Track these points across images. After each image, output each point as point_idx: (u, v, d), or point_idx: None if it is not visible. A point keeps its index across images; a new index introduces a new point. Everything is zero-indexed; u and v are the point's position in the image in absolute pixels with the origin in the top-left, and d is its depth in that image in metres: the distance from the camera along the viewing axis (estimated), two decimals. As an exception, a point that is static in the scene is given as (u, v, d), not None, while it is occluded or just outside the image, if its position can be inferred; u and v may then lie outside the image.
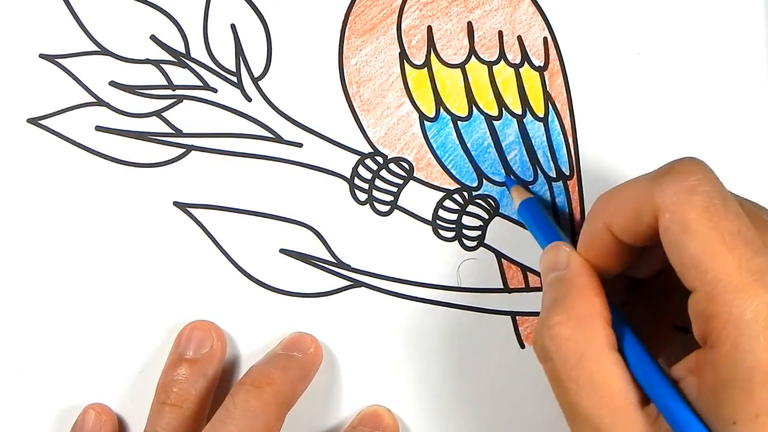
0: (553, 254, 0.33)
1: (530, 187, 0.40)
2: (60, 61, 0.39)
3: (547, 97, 0.40)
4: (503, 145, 0.39)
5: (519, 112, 0.40)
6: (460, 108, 0.39)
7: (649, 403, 0.29)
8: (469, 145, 0.39)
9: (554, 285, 0.32)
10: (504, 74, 0.39)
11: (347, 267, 0.39)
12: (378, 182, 0.39)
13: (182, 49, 0.39)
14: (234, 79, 0.39)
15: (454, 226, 0.39)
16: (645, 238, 0.30)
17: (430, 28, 0.39)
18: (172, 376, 0.37)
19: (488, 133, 0.39)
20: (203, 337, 0.38)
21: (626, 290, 0.35)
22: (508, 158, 0.40)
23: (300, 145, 0.39)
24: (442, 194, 0.39)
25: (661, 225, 0.28)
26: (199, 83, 0.39)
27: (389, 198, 0.39)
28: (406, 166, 0.40)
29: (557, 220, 0.39)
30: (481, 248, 0.40)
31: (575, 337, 0.30)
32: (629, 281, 0.34)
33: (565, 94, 0.40)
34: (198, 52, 0.39)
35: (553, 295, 0.32)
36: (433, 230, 0.40)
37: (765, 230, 0.29)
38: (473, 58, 0.39)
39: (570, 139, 0.40)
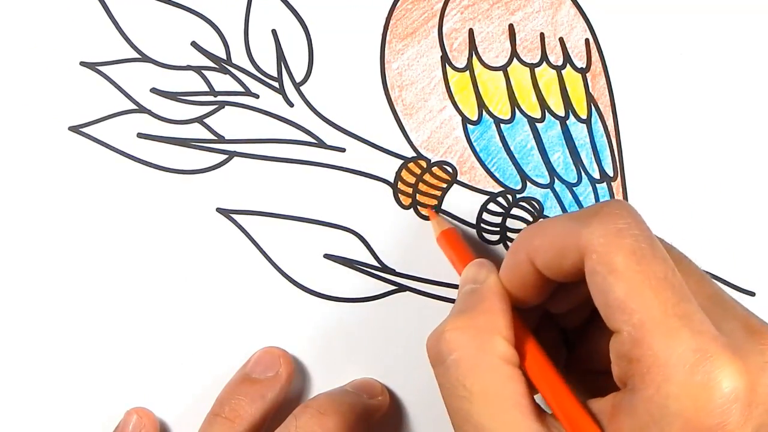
0: (475, 269, 0.34)
1: (574, 188, 0.39)
2: (101, 68, 0.39)
3: (590, 99, 0.40)
4: (546, 147, 0.39)
5: (562, 114, 0.39)
6: (503, 110, 0.39)
7: (545, 418, 0.29)
8: (512, 148, 0.39)
9: (465, 296, 0.32)
10: (546, 76, 0.39)
11: (392, 271, 0.39)
12: (421, 186, 0.39)
13: (223, 55, 0.39)
14: (276, 84, 0.39)
15: (498, 229, 0.39)
16: (567, 276, 0.30)
17: (471, 31, 0.39)
18: (232, 392, 0.37)
19: (531, 136, 0.39)
20: (271, 361, 0.38)
21: (539, 323, 0.35)
22: (552, 160, 0.39)
23: (343, 150, 0.39)
24: (486, 197, 0.39)
25: (587, 266, 0.28)
26: (241, 89, 0.39)
27: (433, 202, 0.39)
28: (450, 169, 0.39)
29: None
30: (526, 251, 0.39)
31: (471, 346, 0.30)
32: (543, 315, 0.34)
33: (607, 96, 0.40)
34: (239, 58, 0.39)
35: (460, 304, 0.32)
36: (477, 233, 0.39)
37: (690, 277, 0.29)
38: (515, 60, 0.39)
39: (614, 141, 0.39)
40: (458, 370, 0.29)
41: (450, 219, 0.39)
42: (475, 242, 0.39)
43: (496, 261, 0.39)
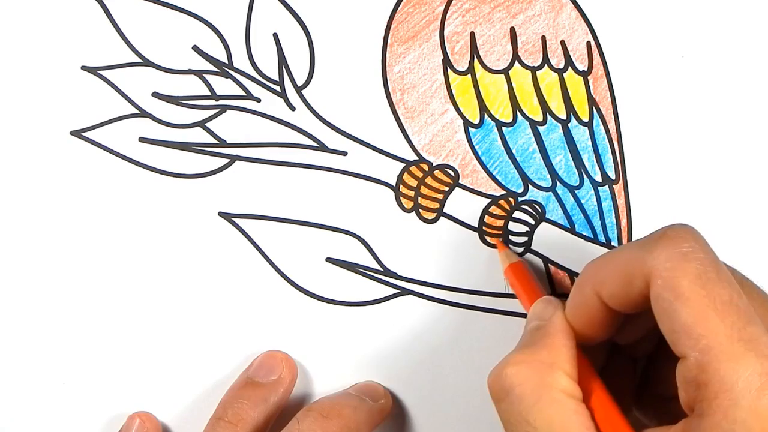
0: (542, 306, 0.33)
1: (576, 191, 0.39)
2: (102, 72, 0.39)
3: (592, 102, 0.39)
4: (548, 150, 0.39)
5: (564, 117, 0.39)
6: (505, 114, 0.39)
7: None
8: (514, 151, 0.39)
9: (530, 332, 0.32)
10: (548, 79, 0.39)
11: (394, 275, 0.39)
12: (423, 190, 0.39)
13: (225, 59, 0.39)
14: (277, 88, 0.39)
15: (500, 232, 0.39)
16: (634, 306, 0.30)
17: (473, 35, 0.39)
18: (234, 396, 0.37)
19: (533, 139, 0.39)
20: (274, 365, 0.38)
21: (607, 355, 0.34)
22: (554, 163, 0.39)
23: (345, 153, 0.39)
24: (488, 201, 0.39)
25: (652, 291, 0.28)
26: (243, 93, 0.39)
27: (435, 205, 0.39)
28: (452, 173, 0.39)
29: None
30: (528, 254, 0.39)
31: (532, 380, 0.29)
32: (611, 346, 0.34)
33: (609, 98, 0.40)
34: (241, 61, 0.39)
35: (524, 340, 0.32)
36: (479, 237, 0.39)
37: (755, 299, 0.29)
38: (517, 63, 0.39)
39: (615, 144, 0.39)
40: (521, 405, 0.29)
41: (454, 223, 0.39)
42: (478, 245, 0.39)
43: (501, 265, 0.39)
